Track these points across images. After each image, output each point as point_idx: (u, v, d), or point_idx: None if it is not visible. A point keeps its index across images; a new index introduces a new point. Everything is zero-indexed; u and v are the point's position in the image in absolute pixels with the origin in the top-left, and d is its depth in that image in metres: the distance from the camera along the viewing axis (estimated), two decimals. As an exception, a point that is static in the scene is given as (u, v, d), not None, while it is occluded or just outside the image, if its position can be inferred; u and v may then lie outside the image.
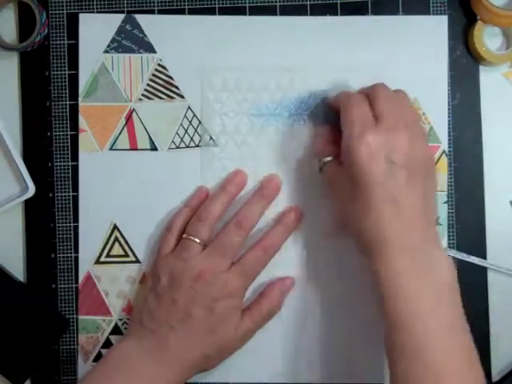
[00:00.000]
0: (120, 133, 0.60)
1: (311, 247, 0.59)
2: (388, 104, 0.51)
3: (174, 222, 0.58)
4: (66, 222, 0.60)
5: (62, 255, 0.60)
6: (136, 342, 0.54)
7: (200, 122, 0.60)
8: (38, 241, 0.60)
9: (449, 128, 0.60)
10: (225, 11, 0.60)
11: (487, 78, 0.60)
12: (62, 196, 0.60)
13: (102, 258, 0.60)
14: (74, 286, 0.60)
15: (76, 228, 0.60)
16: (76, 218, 0.60)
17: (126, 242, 0.60)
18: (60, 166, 0.60)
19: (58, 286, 0.60)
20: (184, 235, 0.56)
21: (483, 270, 0.59)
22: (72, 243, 0.60)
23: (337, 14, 0.60)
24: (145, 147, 0.60)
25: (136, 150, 0.60)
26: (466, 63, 0.60)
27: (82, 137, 0.60)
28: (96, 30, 0.60)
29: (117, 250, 0.60)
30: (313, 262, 0.59)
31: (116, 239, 0.60)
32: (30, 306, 0.59)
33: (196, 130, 0.60)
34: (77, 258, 0.60)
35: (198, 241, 0.55)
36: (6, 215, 0.60)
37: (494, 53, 0.59)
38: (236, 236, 0.55)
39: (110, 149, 0.60)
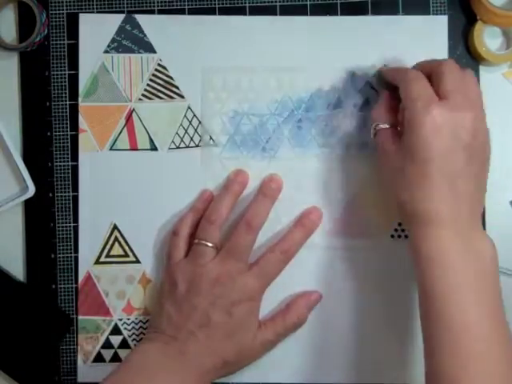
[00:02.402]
0: (120, 133, 0.60)
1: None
2: (456, 83, 0.49)
3: (180, 226, 0.58)
4: (65, 222, 0.60)
5: (61, 255, 0.60)
6: (157, 348, 0.54)
7: (200, 122, 0.60)
8: (38, 241, 0.60)
9: (449, 128, 0.60)
10: (225, 11, 0.60)
11: (487, 78, 0.60)
12: (61, 196, 0.60)
13: (102, 258, 0.60)
14: (73, 285, 0.60)
15: (76, 228, 0.60)
16: (76, 218, 0.60)
17: (126, 242, 0.60)
18: (60, 165, 0.60)
19: (58, 285, 0.60)
20: (196, 240, 0.56)
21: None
22: (72, 243, 0.60)
23: (337, 14, 0.60)
24: (145, 147, 0.60)
25: (136, 150, 0.60)
26: (466, 63, 0.60)
27: (81, 137, 0.60)
28: (96, 30, 0.60)
29: (117, 250, 0.60)
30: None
31: (116, 239, 0.60)
32: (30, 306, 0.59)
33: (196, 130, 0.60)
34: (77, 258, 0.60)
35: (210, 245, 0.55)
36: (6, 215, 0.60)
37: (493, 53, 0.59)
38: (247, 236, 0.55)
39: (110, 149, 0.60)
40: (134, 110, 0.60)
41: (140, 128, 0.60)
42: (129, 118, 0.60)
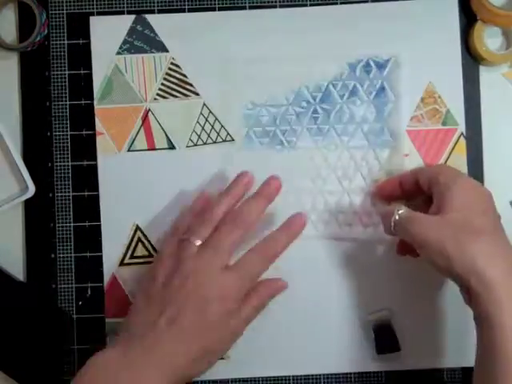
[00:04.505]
0: (137, 134, 0.60)
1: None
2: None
3: (177, 226, 0.57)
4: (65, 222, 0.60)
5: (61, 255, 0.60)
6: (115, 349, 0.50)
7: (216, 119, 0.60)
8: (38, 241, 0.60)
9: (449, 128, 0.60)
10: (225, 11, 0.60)
11: (487, 78, 0.60)
12: (61, 196, 0.60)
13: (127, 260, 0.60)
14: (73, 285, 0.60)
15: (76, 228, 0.60)
16: (76, 218, 0.60)
17: (150, 242, 0.60)
18: (60, 166, 0.60)
19: (58, 286, 0.60)
20: (185, 236, 0.54)
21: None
22: (72, 243, 0.60)
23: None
24: (162, 147, 0.60)
25: (154, 149, 0.60)
26: (465, 63, 0.60)
27: (99, 139, 0.60)
28: (107, 33, 0.60)
29: (140, 250, 0.60)
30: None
31: (139, 240, 0.60)
32: (30, 306, 0.59)
33: (213, 126, 0.60)
34: (76, 258, 0.60)
35: (196, 242, 0.52)
36: (6, 215, 0.60)
37: (493, 53, 0.59)
38: (229, 233, 0.52)
39: (128, 150, 0.60)
40: (149, 110, 0.60)
41: (157, 128, 0.60)
42: (145, 118, 0.60)
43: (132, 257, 0.60)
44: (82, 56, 0.60)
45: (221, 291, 0.51)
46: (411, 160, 0.60)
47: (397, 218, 0.51)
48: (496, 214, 0.52)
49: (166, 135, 0.60)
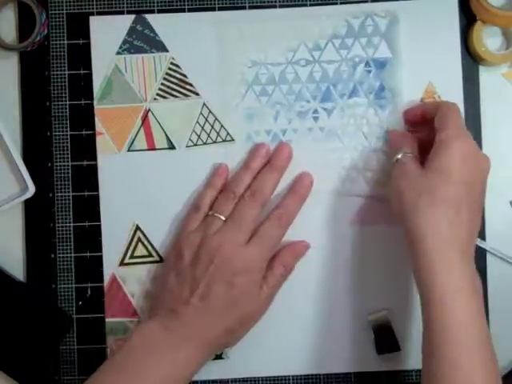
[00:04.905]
0: (137, 133, 0.60)
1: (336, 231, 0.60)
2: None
3: (200, 202, 0.58)
4: (65, 222, 0.60)
5: (61, 255, 0.60)
6: (158, 323, 0.53)
7: (216, 119, 0.60)
8: (37, 241, 0.60)
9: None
10: (225, 11, 0.60)
11: (487, 78, 0.60)
12: (61, 196, 0.60)
13: (127, 260, 0.60)
14: (73, 285, 0.60)
15: (76, 228, 0.60)
16: (76, 218, 0.60)
17: (149, 242, 0.60)
18: (60, 166, 0.60)
19: (58, 286, 0.60)
20: (210, 212, 0.56)
21: (483, 270, 0.59)
22: (72, 243, 0.60)
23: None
24: (162, 147, 0.60)
25: (154, 149, 0.60)
26: (465, 63, 0.60)
27: (99, 139, 0.60)
28: (107, 32, 0.60)
29: (140, 250, 0.60)
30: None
31: (139, 240, 0.60)
32: (30, 306, 0.59)
33: (213, 126, 0.60)
34: (76, 258, 0.60)
35: (222, 218, 0.55)
36: (6, 215, 0.60)
37: (493, 53, 0.59)
38: (250, 208, 0.55)
39: (128, 150, 0.60)
40: (149, 110, 0.60)
41: (157, 128, 0.60)
42: (145, 118, 0.60)
43: (132, 257, 0.60)
44: (81, 56, 0.60)
45: (246, 263, 0.54)
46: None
47: (399, 156, 0.54)
48: (478, 188, 0.52)
49: (166, 135, 0.60)
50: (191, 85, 0.60)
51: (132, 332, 0.54)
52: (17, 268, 0.60)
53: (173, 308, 0.54)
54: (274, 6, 0.60)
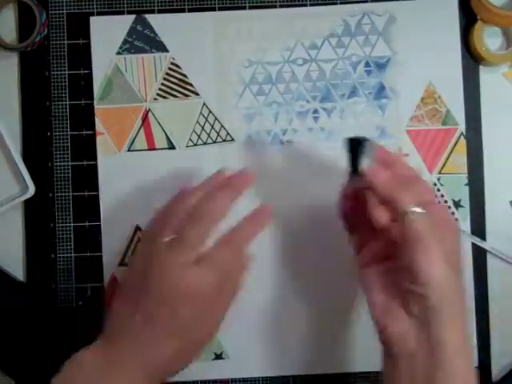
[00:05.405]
0: (137, 133, 0.60)
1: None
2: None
3: (153, 221, 0.53)
4: (65, 222, 0.60)
5: (61, 255, 0.60)
6: (97, 351, 0.48)
7: (216, 119, 0.60)
8: (37, 241, 0.60)
9: (449, 128, 0.60)
10: (225, 11, 0.60)
11: (487, 78, 0.60)
12: (61, 196, 0.60)
13: (126, 260, 0.60)
14: (73, 285, 0.60)
15: (76, 228, 0.60)
16: (76, 218, 0.60)
17: None
18: (60, 166, 0.60)
19: (58, 286, 0.60)
20: (153, 230, 0.51)
21: (483, 270, 0.59)
22: (72, 243, 0.60)
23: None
24: (162, 146, 0.60)
25: (154, 149, 0.60)
26: (465, 63, 0.60)
27: (99, 139, 0.60)
28: (107, 32, 0.60)
29: None
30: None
31: (139, 240, 0.60)
32: (30, 306, 0.59)
33: (213, 126, 0.60)
34: (76, 258, 0.60)
35: (164, 238, 0.49)
36: (6, 215, 0.60)
37: (493, 53, 0.59)
38: (195, 227, 0.49)
39: (128, 150, 0.60)
40: (149, 109, 0.60)
41: (157, 128, 0.60)
42: (145, 118, 0.60)
43: (132, 257, 0.60)
44: (81, 56, 0.60)
45: (189, 290, 0.48)
46: (411, 160, 0.60)
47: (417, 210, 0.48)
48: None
49: (166, 135, 0.60)
50: (191, 85, 0.60)
51: (67, 363, 0.48)
52: (17, 268, 0.60)
53: (114, 330, 0.49)
54: (274, 6, 0.60)
